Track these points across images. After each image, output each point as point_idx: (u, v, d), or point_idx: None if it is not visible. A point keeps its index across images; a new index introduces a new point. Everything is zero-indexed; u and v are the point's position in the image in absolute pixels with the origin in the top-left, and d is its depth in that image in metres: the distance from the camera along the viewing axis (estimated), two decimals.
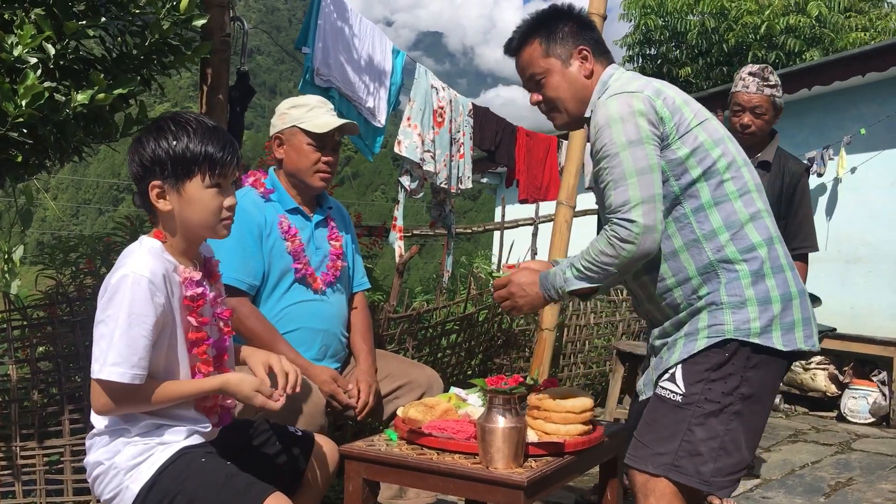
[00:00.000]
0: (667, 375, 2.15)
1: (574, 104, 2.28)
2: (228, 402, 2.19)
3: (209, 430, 2.10)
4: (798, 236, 3.47)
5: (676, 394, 2.11)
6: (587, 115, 2.26)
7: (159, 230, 2.06)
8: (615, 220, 2.05)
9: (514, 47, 2.34)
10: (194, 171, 2.01)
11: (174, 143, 2.00)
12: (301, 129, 2.87)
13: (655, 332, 2.28)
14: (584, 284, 2.13)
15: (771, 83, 3.39)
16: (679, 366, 2.13)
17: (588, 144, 2.31)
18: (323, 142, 2.88)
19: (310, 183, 2.90)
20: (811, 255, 3.62)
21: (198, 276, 2.08)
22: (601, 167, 2.10)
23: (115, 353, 1.88)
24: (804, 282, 3.27)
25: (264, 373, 2.15)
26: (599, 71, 2.28)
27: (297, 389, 2.15)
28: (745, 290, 2.09)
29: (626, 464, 2.20)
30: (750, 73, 3.42)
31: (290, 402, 2.50)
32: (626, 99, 2.10)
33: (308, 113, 2.89)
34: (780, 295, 2.11)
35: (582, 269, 2.11)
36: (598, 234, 2.16)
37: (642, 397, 2.29)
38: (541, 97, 2.32)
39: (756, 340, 2.08)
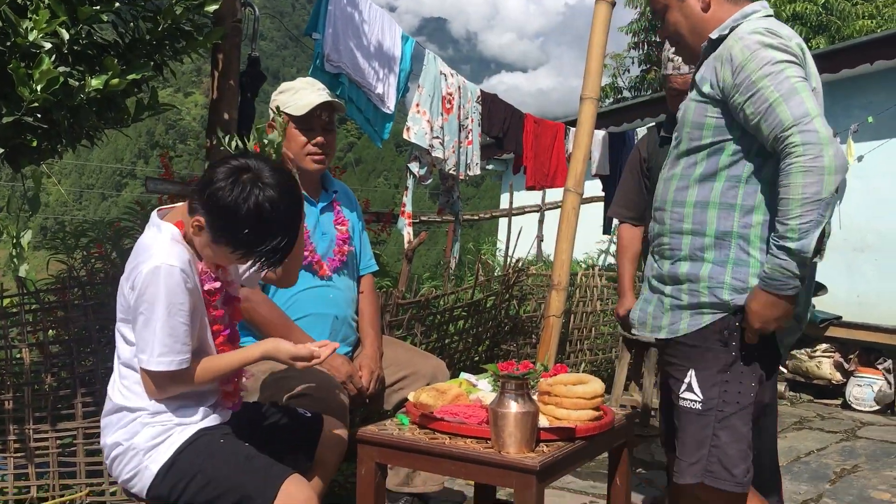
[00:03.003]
0: (683, 386, 2.15)
1: (692, 38, 2.21)
2: (243, 388, 2.23)
3: (224, 410, 2.14)
4: None
5: (696, 402, 2.12)
6: (714, 36, 2.14)
7: (181, 222, 2.07)
8: (798, 133, 1.89)
9: None
10: (237, 253, 2.02)
11: (247, 230, 1.96)
12: (286, 113, 2.81)
13: (654, 266, 2.26)
14: (817, 232, 1.91)
15: None
16: (692, 373, 2.13)
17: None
18: (309, 123, 2.82)
19: (304, 167, 2.84)
20: None
21: (215, 272, 2.12)
22: (760, 87, 1.96)
23: (160, 344, 1.95)
24: None
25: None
26: (724, 5, 2.17)
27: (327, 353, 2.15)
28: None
29: (674, 482, 2.21)
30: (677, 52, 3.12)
31: (316, 402, 2.52)
32: (778, 29, 2.03)
33: (293, 96, 2.83)
34: None
35: (801, 223, 1.90)
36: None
37: (635, 331, 2.30)
38: (666, 31, 2.28)
39: None
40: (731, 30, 2.10)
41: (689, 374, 2.14)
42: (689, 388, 2.14)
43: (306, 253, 2.82)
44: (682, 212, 2.15)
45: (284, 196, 1.98)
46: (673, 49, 2.33)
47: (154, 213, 2.13)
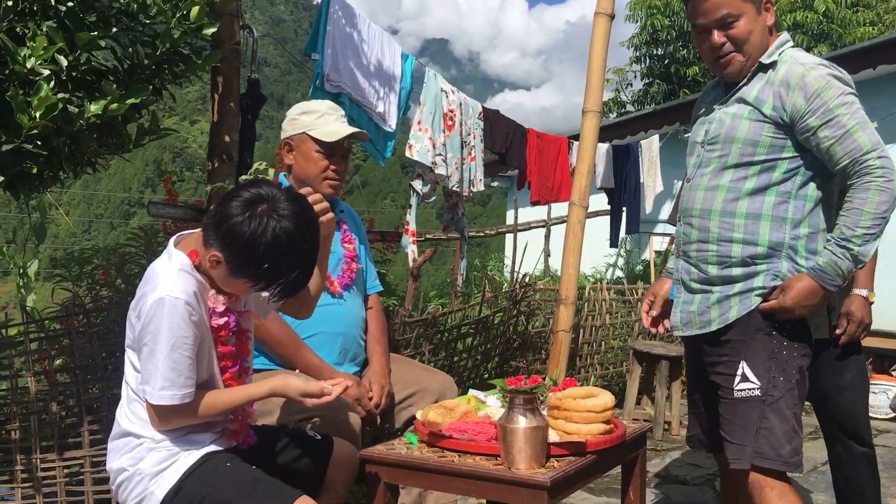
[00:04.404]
0: (738, 379, 2.29)
1: (757, 51, 2.32)
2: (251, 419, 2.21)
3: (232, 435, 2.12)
4: None
5: (754, 388, 2.27)
6: (766, 60, 2.31)
7: (195, 251, 2.03)
8: (876, 157, 2.15)
9: None
10: (257, 286, 2.00)
11: (266, 264, 1.92)
12: (310, 136, 2.85)
13: (693, 271, 2.40)
14: (876, 244, 2.20)
15: None
16: (744, 364, 2.28)
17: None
18: (332, 149, 2.86)
19: (319, 190, 2.84)
20: None
21: (221, 306, 2.07)
22: (838, 114, 2.18)
23: (162, 377, 1.93)
24: None
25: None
26: (774, 34, 2.37)
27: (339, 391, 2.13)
28: None
29: (732, 469, 2.33)
30: None
31: (327, 423, 2.50)
32: (837, 68, 2.27)
33: (318, 119, 2.87)
34: None
35: (867, 232, 2.16)
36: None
37: (680, 332, 2.45)
38: (725, 39, 2.31)
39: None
40: (780, 56, 2.30)
41: (740, 366, 2.29)
42: (745, 379, 2.29)
43: None
44: (732, 222, 2.31)
45: (301, 226, 1.95)
46: (722, 58, 2.35)
47: (171, 240, 2.12)
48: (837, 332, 2.81)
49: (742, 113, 2.31)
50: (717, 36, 2.32)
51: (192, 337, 1.95)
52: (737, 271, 2.32)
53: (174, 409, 1.96)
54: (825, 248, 2.23)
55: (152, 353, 1.93)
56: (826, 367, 2.84)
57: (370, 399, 2.78)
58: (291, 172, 2.92)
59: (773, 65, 2.31)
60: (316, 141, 2.84)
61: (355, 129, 2.91)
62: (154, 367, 1.93)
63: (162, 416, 1.98)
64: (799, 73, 2.23)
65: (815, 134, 2.22)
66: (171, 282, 1.95)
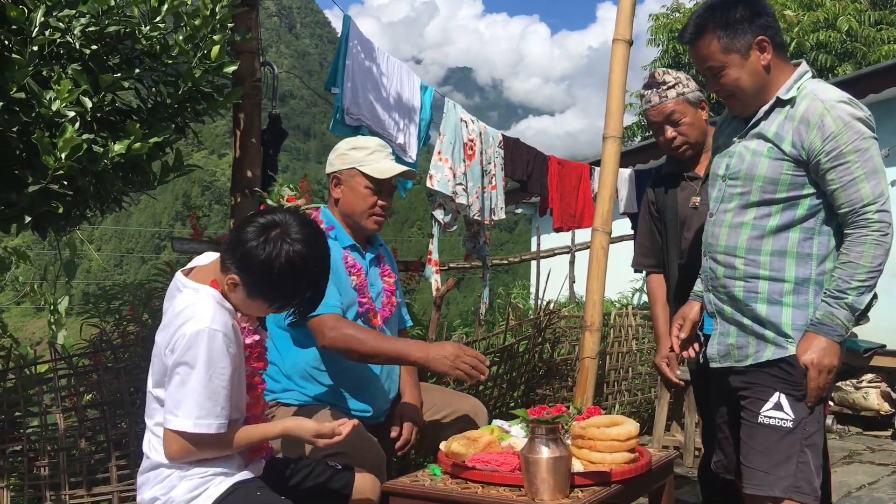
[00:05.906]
0: (769, 405, 2.28)
1: (753, 91, 2.33)
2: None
3: (258, 463, 2.15)
4: None
5: (786, 420, 2.26)
6: (784, 96, 2.30)
7: (216, 282, 2.10)
8: (875, 212, 2.18)
9: (688, 37, 2.36)
10: (274, 306, 2.10)
11: (282, 285, 2.04)
12: (361, 172, 2.85)
13: (725, 304, 2.39)
14: (869, 296, 2.23)
15: (669, 83, 3.02)
16: (780, 395, 2.27)
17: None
18: (381, 186, 2.87)
19: (364, 225, 2.88)
20: None
21: (253, 324, 2.16)
22: (848, 160, 2.19)
23: (198, 407, 1.96)
24: None
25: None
26: (780, 65, 2.33)
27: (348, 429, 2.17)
28: None
29: (748, 493, 2.30)
30: (646, 87, 3.10)
31: (355, 456, 2.50)
32: (859, 105, 2.28)
33: (369, 156, 2.88)
34: None
35: (862, 285, 2.19)
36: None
37: (717, 364, 2.42)
38: (719, 86, 2.36)
39: None
40: (799, 90, 2.30)
41: (776, 395, 2.28)
42: (779, 408, 2.27)
43: (363, 300, 2.82)
44: (758, 259, 2.32)
45: (312, 249, 2.05)
46: (726, 99, 2.41)
47: (180, 276, 2.15)
48: None
49: (761, 150, 2.32)
50: (713, 83, 2.37)
51: (229, 368, 1.99)
52: (762, 310, 2.31)
53: (210, 438, 1.98)
54: (822, 300, 2.25)
55: (184, 381, 1.96)
56: None
57: (400, 435, 2.80)
58: (338, 206, 2.92)
59: (791, 100, 2.30)
60: (366, 176, 2.84)
61: (405, 168, 2.94)
62: (186, 395, 1.95)
63: (194, 444, 1.98)
64: (819, 112, 2.23)
65: (823, 175, 2.24)
66: (208, 314, 2.00)
